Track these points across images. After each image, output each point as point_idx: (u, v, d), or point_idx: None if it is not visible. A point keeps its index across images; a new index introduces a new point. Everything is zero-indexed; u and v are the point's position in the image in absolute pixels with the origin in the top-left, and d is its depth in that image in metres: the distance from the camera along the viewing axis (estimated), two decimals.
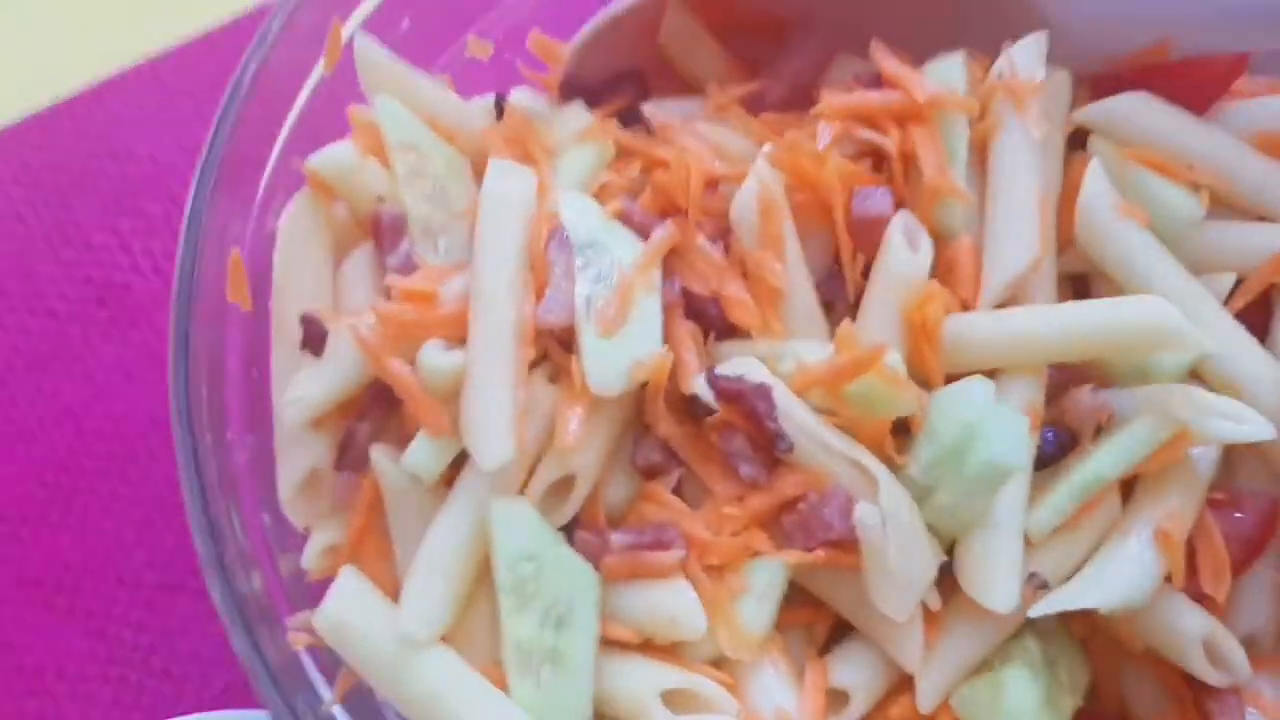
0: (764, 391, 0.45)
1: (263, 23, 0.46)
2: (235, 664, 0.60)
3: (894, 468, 0.47)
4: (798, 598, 0.47)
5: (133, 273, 0.67)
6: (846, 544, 0.45)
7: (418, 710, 0.43)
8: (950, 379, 0.48)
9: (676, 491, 0.47)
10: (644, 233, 0.49)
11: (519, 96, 0.57)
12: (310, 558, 0.46)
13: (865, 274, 0.50)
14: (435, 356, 0.44)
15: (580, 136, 0.51)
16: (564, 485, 0.45)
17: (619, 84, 0.58)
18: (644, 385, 0.47)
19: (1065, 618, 0.48)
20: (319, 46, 0.50)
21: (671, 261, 0.49)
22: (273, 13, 0.47)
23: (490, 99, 0.55)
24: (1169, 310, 0.47)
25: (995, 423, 0.44)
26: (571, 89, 0.58)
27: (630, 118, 0.56)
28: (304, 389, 0.45)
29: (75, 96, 0.69)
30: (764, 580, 0.45)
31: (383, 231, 0.47)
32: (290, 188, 0.49)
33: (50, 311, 0.65)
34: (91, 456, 0.64)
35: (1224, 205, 0.53)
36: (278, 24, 0.46)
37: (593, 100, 0.57)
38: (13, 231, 0.66)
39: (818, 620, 0.48)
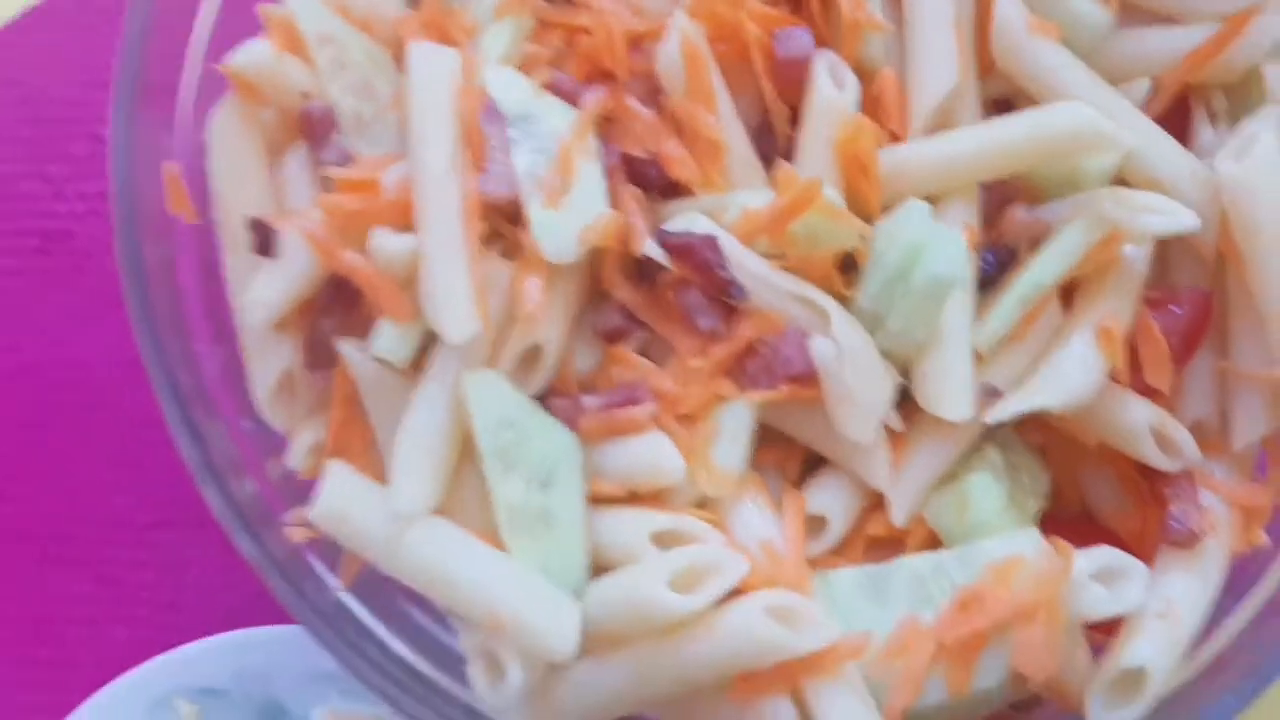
0: (711, 242, 0.46)
1: None
2: (235, 589, 0.63)
3: (844, 301, 0.48)
4: (768, 438, 0.49)
5: (70, 218, 0.66)
6: (807, 378, 0.46)
7: (424, 580, 0.45)
8: (888, 210, 0.50)
9: (641, 354, 0.49)
10: (574, 101, 0.49)
11: None
12: (296, 458, 0.48)
13: (792, 124, 0.51)
14: (387, 242, 0.45)
15: (497, 11, 0.51)
16: (532, 358, 0.47)
17: None
18: (598, 254, 0.48)
19: (1021, 427, 0.50)
20: None
21: (606, 128, 0.50)
22: None
23: None
24: (1088, 112, 0.48)
25: (935, 240, 0.46)
26: None
27: None
28: (261, 291, 0.45)
29: None
30: (733, 422, 0.47)
31: (313, 126, 0.47)
32: (214, 98, 0.49)
33: None
34: (60, 407, 0.64)
35: (1134, 12, 0.53)
36: None
37: None
38: None
39: (789, 458, 0.50)
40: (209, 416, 0.46)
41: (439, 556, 0.45)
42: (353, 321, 0.47)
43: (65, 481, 0.64)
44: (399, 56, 0.51)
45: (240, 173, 0.48)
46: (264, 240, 0.45)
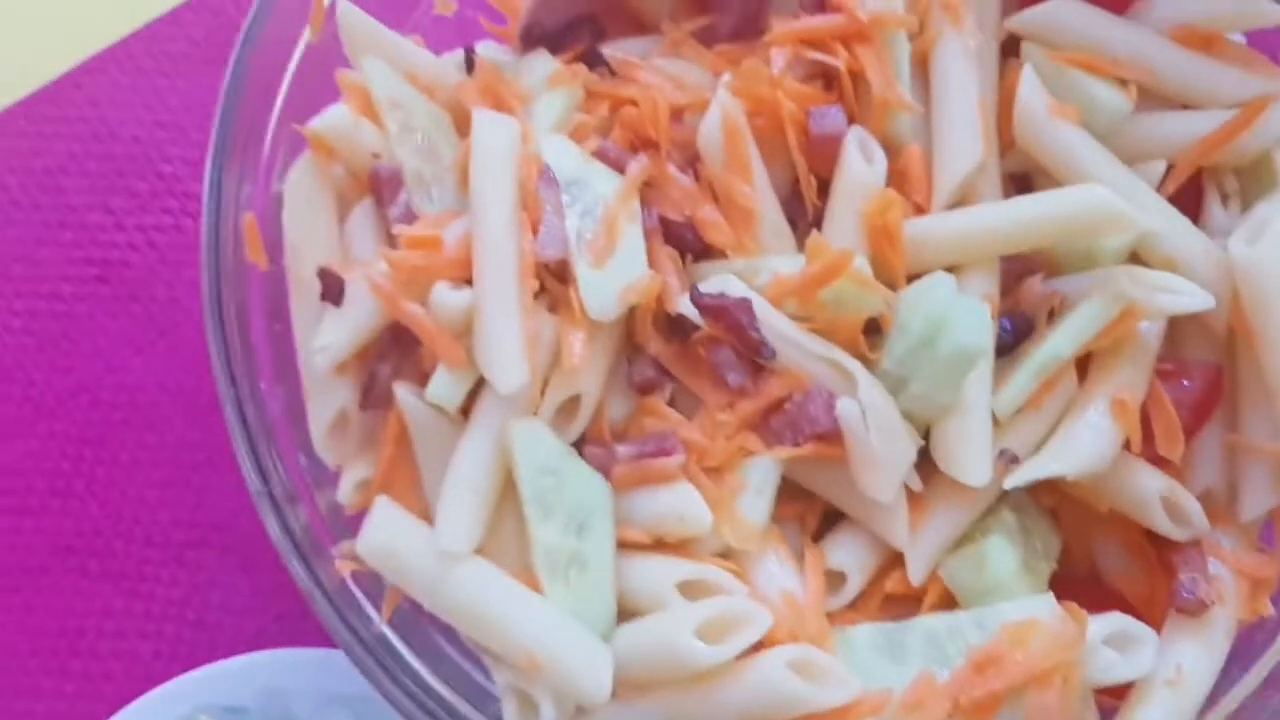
0: (745, 305, 0.49)
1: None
2: (264, 610, 0.65)
3: (869, 364, 0.50)
4: (789, 493, 0.51)
5: (129, 249, 0.69)
6: (832, 437, 0.49)
7: (463, 617, 0.47)
8: (911, 278, 0.52)
9: (671, 405, 0.51)
10: (619, 168, 0.52)
11: (485, 49, 0.59)
12: (345, 493, 0.50)
13: (820, 194, 0.53)
14: (447, 296, 0.47)
15: (550, 82, 0.54)
16: (570, 406, 0.49)
17: (575, 30, 0.61)
18: (634, 310, 0.50)
19: (1035, 491, 0.52)
20: (303, 17, 0.52)
21: (647, 193, 0.52)
22: None
23: (459, 54, 0.58)
24: (1106, 195, 0.50)
25: (960, 311, 0.48)
26: (532, 38, 0.60)
27: (592, 61, 0.59)
28: (328, 337, 0.48)
29: (54, 83, 0.71)
30: (759, 477, 0.49)
31: (382, 185, 0.50)
32: (290, 152, 0.52)
33: (55, 293, 0.68)
34: (109, 427, 0.67)
35: (1151, 98, 0.56)
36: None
37: (553, 47, 0.59)
38: (12, 218, 0.69)
39: (809, 512, 0.52)
40: (270, 450, 0.48)
41: (480, 596, 0.47)
42: (405, 367, 0.50)
43: (109, 499, 0.66)
44: (457, 119, 0.54)
45: (313, 225, 0.51)
46: (332, 289, 0.48)
